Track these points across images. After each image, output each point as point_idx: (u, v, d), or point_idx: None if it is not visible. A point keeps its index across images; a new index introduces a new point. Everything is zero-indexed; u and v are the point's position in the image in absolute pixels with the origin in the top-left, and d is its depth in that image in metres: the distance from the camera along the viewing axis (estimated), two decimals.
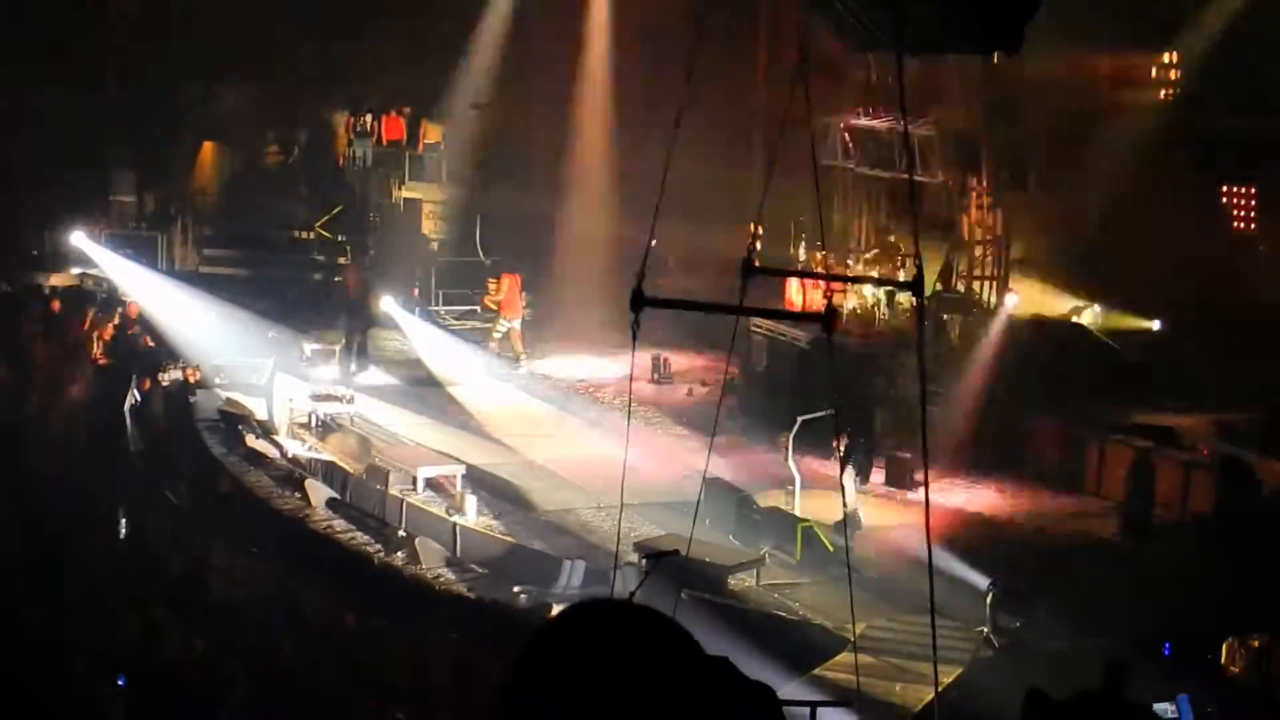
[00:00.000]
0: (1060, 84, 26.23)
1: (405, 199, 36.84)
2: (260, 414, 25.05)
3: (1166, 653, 17.11)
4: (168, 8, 34.27)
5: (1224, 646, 16.83)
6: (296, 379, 26.28)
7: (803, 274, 27.67)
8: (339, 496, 22.32)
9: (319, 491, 22.17)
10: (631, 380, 22.61)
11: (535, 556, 20.10)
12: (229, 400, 25.57)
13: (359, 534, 21.02)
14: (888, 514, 21.80)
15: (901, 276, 26.18)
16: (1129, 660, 14.08)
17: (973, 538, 21.52)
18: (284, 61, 34.99)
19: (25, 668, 15.67)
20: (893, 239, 28.20)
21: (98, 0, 33.96)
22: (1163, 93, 28.29)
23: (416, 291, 32.69)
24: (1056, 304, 27.71)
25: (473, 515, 21.45)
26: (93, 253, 32.25)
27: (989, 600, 17.93)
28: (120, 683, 15.15)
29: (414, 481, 22.10)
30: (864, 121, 28.08)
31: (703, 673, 2.62)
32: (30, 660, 15.86)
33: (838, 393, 17.06)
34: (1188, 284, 25.32)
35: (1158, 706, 14.37)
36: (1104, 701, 13.43)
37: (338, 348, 28.46)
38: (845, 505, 19.63)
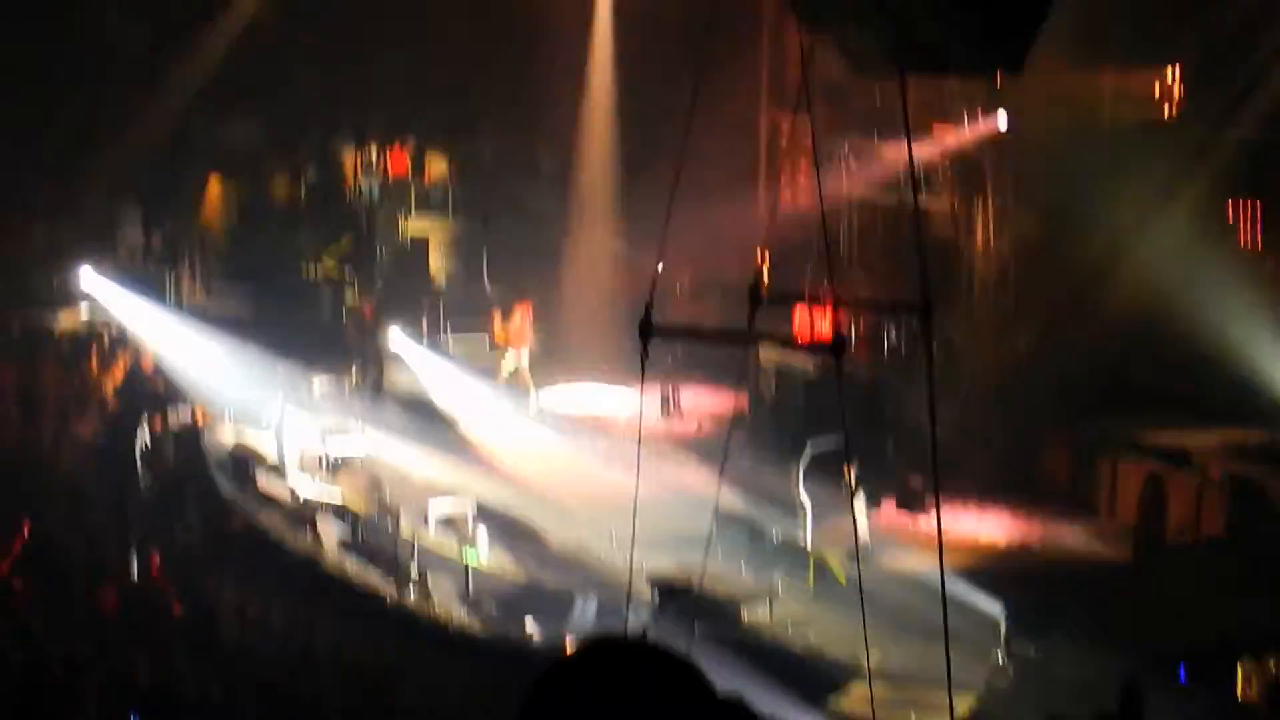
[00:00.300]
0: (1063, 103, 26.18)
1: (413, 231, 36.85)
2: (270, 452, 25.03)
3: (1181, 676, 17.05)
4: (172, 39, 34.30)
5: (1239, 668, 16.76)
6: (306, 415, 26.24)
7: (810, 300, 27.60)
8: (350, 535, 22.29)
9: (330, 530, 22.14)
10: (641, 410, 22.54)
11: (548, 592, 20.07)
12: (239, 440, 25.55)
13: (371, 572, 20.97)
14: (900, 541, 21.72)
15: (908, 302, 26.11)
16: (1143, 683, 14.06)
17: (985, 562, 21.46)
18: (289, 89, 35.04)
19: (41, 708, 15.65)
20: (898, 262, 28.14)
21: (101, 34, 33.98)
22: (1167, 109, 28.24)
23: (424, 324, 32.67)
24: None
25: (484, 551, 21.41)
26: (100, 291, 32.24)
27: (1003, 626, 17.87)
28: None
29: (425, 519, 22.07)
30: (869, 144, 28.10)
31: (715, 712, 2.59)
32: (45, 701, 15.84)
33: (847, 421, 16.99)
34: (1194, 301, 25.22)
35: None
36: None
37: (351, 381, 28.42)
38: (857, 534, 19.57)
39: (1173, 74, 27.99)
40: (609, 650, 2.63)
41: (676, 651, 2.64)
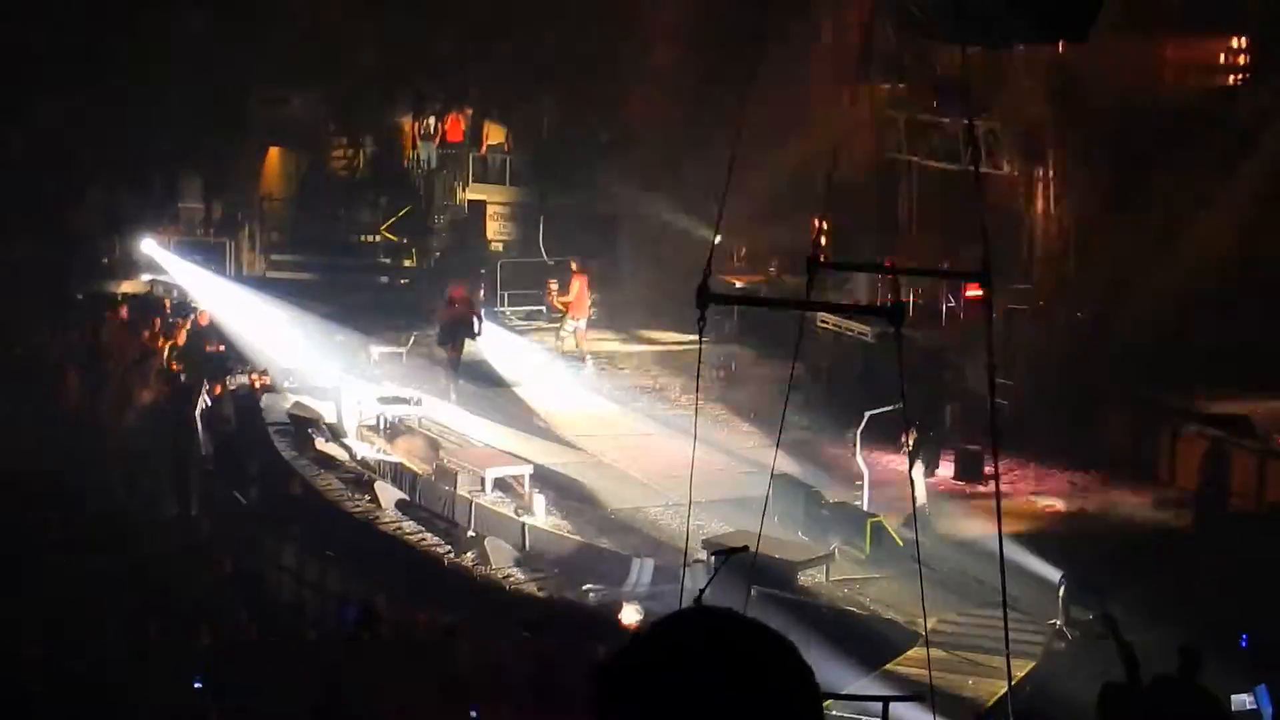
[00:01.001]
0: (1127, 71, 25.96)
1: (470, 200, 36.94)
2: (329, 417, 25.18)
3: (1244, 644, 16.95)
4: (233, 12, 34.42)
5: None
6: (364, 381, 26.38)
7: (868, 267, 27.52)
8: (408, 498, 22.42)
9: (388, 493, 22.27)
10: (698, 375, 22.55)
11: (604, 555, 20.12)
12: (297, 404, 25.72)
13: (429, 535, 21.09)
14: (957, 507, 21.68)
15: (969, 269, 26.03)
16: (1201, 649, 13.99)
17: (1044, 529, 21.41)
18: (349, 62, 35.14)
19: (104, 671, 15.80)
20: (958, 230, 28.03)
21: (162, 7, 34.12)
22: (1232, 77, 27.98)
23: (482, 292, 32.73)
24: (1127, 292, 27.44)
25: (541, 515, 21.49)
26: (162, 260, 32.48)
27: (1061, 592, 17.81)
28: (196, 685, 15.24)
29: (482, 482, 22.17)
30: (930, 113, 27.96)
31: (815, 698, 2.51)
32: (108, 664, 15.98)
33: (905, 387, 16.94)
34: (1258, 266, 25.00)
35: (1236, 698, 14.25)
36: (1180, 689, 13.35)
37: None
38: (915, 499, 19.53)
39: (1238, 42, 27.74)
40: (703, 622, 2.55)
41: (773, 632, 2.56)
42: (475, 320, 28.34)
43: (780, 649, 2.47)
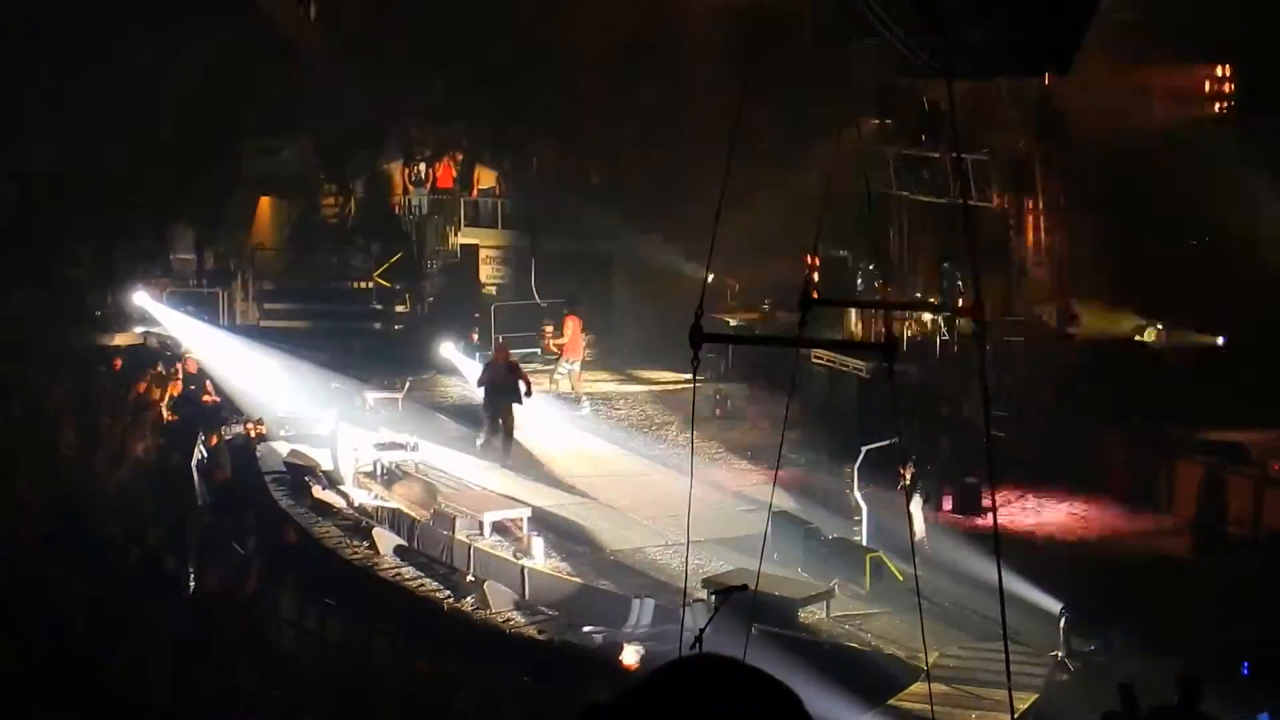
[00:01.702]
0: (1113, 102, 26.06)
1: (462, 245, 37.03)
2: (325, 464, 25.18)
3: (1245, 672, 16.94)
4: (223, 65, 34.53)
5: None
6: (360, 428, 26.39)
7: (862, 303, 27.62)
8: (406, 544, 22.39)
9: (386, 539, 22.25)
10: (694, 415, 22.60)
11: (604, 596, 20.09)
12: (294, 452, 25.71)
13: (427, 580, 21.06)
14: (957, 540, 21.66)
15: (961, 303, 26.12)
16: (1201, 675, 14.01)
17: (1043, 561, 21.38)
18: (337, 113, 35.27)
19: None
20: (950, 265, 28.14)
21: (154, 60, 34.24)
22: (1218, 106, 28.10)
23: (475, 336, 32.77)
24: (1119, 323, 27.52)
25: (540, 557, 21.46)
26: (155, 311, 32.53)
27: (1062, 624, 17.80)
28: None
29: (480, 526, 22.13)
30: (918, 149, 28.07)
31: None
32: (107, 713, 15.97)
33: (901, 421, 16.97)
34: (1252, 298, 25.05)
35: None
36: (1180, 717, 13.37)
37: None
38: (913, 534, 19.53)
39: (1224, 71, 27.86)
40: (703, 668, 2.55)
41: (771, 678, 2.55)
42: (522, 383, 26.71)
43: (777, 695, 2.46)
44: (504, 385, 26.58)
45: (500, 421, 26.43)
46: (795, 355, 14.69)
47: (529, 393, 26.70)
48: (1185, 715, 13.50)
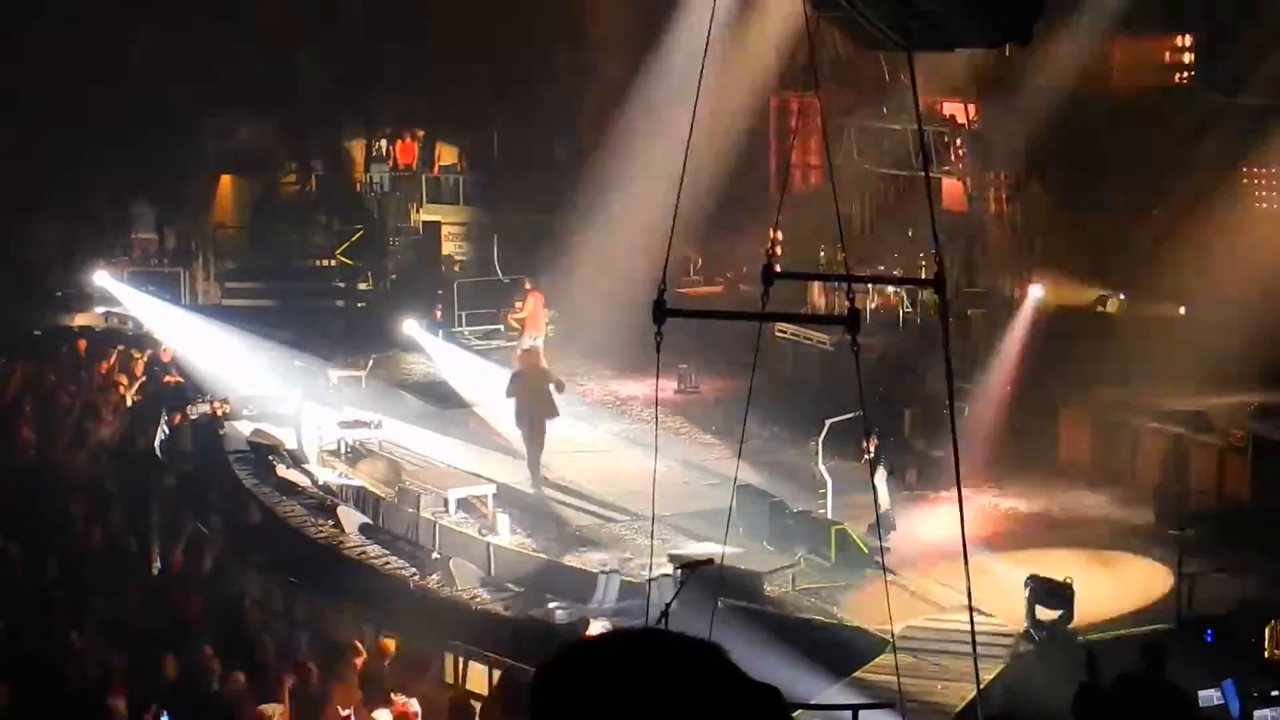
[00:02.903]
0: (1073, 72, 26.08)
1: (424, 221, 36.94)
2: (290, 443, 25.08)
3: (1209, 639, 17.06)
4: (181, 43, 34.33)
5: (1266, 630, 16.74)
6: (324, 406, 26.30)
7: (823, 276, 27.63)
8: (371, 522, 22.35)
9: (351, 517, 22.20)
10: (657, 391, 22.57)
11: (570, 572, 20.10)
12: (258, 431, 25.62)
13: (393, 558, 21.03)
14: (921, 513, 21.73)
15: (923, 274, 26.17)
16: (1165, 642, 14.12)
17: (1008, 532, 21.49)
18: (298, 90, 35.12)
19: (68, 708, 15.69)
20: (912, 236, 28.21)
21: (115, 38, 34.04)
22: (1177, 76, 28.15)
23: (439, 313, 32.69)
24: (1080, 293, 27.60)
25: (506, 534, 21.45)
26: (116, 291, 32.37)
27: (1027, 594, 17.87)
28: (164, 718, 15.14)
29: (446, 503, 22.11)
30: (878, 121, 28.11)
31: (737, 700, 2.50)
32: (72, 700, 15.87)
33: (865, 394, 16.96)
34: (1212, 267, 25.14)
35: (1203, 694, 14.34)
36: (1145, 683, 13.47)
37: (363, 374, 28.12)
38: (878, 506, 19.58)
39: (1183, 42, 27.91)
40: (631, 633, 2.57)
41: (696, 638, 2.57)
42: (553, 386, 24.00)
43: (711, 662, 2.49)
44: (533, 397, 23.72)
45: (532, 440, 23.66)
46: (758, 329, 14.65)
47: (557, 413, 23.86)
48: (1151, 682, 13.58)
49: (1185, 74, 27.87)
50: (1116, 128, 25.99)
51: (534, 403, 23.65)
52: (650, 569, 16.77)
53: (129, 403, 26.64)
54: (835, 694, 16.19)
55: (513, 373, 24.80)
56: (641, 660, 2.46)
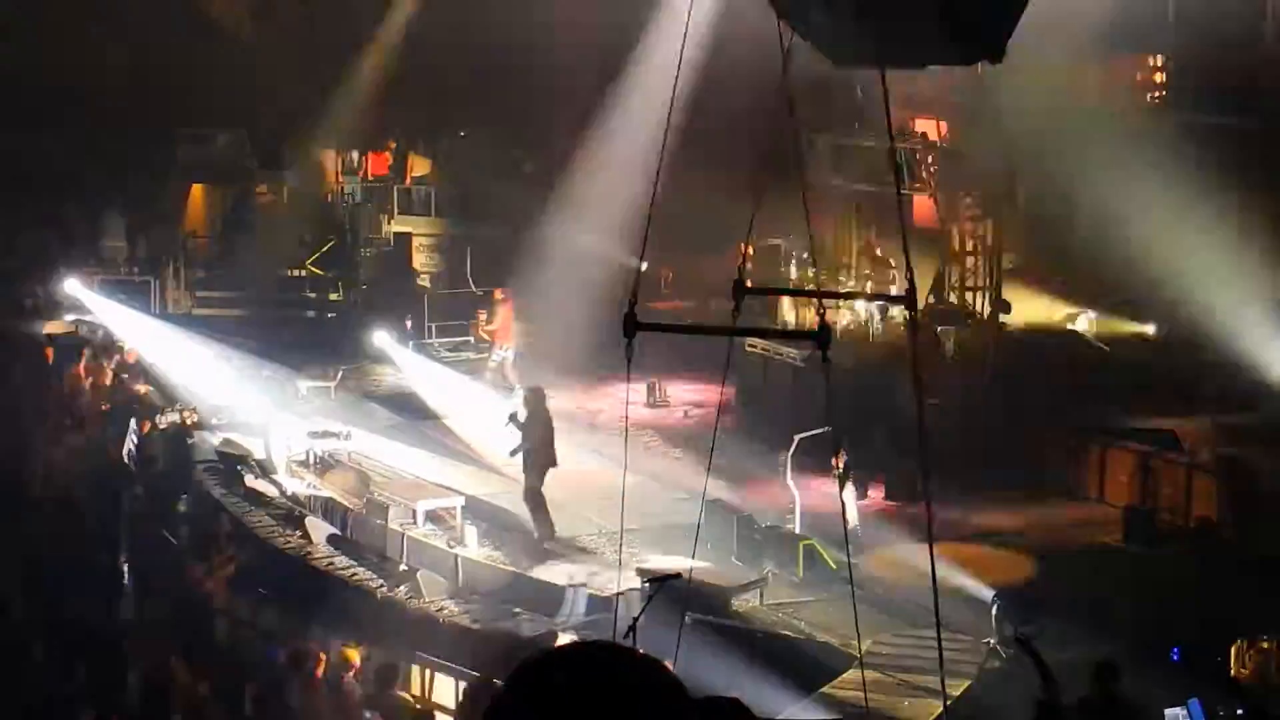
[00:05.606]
0: (1046, 90, 26.17)
1: (395, 233, 36.92)
2: (258, 453, 25.00)
3: (1175, 658, 17.09)
4: (156, 55, 34.25)
5: (1232, 650, 16.79)
6: (293, 416, 26.23)
7: (794, 291, 27.70)
8: (340, 533, 22.28)
9: (319, 529, 22.12)
10: (628, 405, 22.55)
11: (538, 585, 20.05)
12: (226, 440, 25.54)
13: (361, 569, 20.97)
14: (890, 529, 21.73)
15: (894, 291, 26.21)
16: (1117, 661, 14.12)
17: (976, 549, 21.50)
18: (270, 102, 35.09)
19: (31, 716, 15.64)
20: (882, 254, 28.27)
21: (89, 48, 33.96)
22: (1149, 95, 28.27)
23: (409, 324, 32.65)
24: (1051, 311, 27.69)
25: (474, 546, 21.41)
26: (86, 300, 32.25)
27: (994, 612, 17.88)
28: None
29: (414, 515, 22.05)
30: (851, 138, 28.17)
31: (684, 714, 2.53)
32: (38, 711, 15.82)
33: (834, 410, 17.00)
34: (1184, 286, 25.22)
35: (1169, 712, 14.37)
36: (1102, 705, 13.47)
37: (332, 385, 28.17)
38: (846, 522, 19.58)
39: (1153, 61, 28.04)
40: (581, 652, 2.60)
41: (646, 655, 2.59)
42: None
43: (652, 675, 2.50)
44: (534, 433, 22.17)
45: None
46: (729, 344, 14.65)
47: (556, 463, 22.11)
48: (1107, 704, 13.60)
49: (1157, 94, 27.99)
50: (1087, 146, 26.05)
51: (537, 442, 22.13)
52: (618, 583, 16.74)
53: (98, 411, 26.54)
54: (802, 710, 16.18)
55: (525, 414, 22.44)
56: (602, 675, 2.46)
